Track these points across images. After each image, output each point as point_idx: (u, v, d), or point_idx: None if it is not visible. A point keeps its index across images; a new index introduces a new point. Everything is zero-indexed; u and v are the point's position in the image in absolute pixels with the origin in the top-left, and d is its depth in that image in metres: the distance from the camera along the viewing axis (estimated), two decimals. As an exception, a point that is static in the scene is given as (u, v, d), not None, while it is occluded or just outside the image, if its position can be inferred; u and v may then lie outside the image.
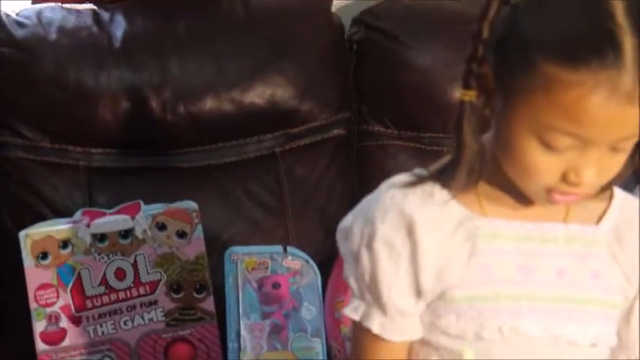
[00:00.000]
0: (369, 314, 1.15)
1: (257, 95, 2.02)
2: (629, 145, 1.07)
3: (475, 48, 1.09)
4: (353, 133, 2.11)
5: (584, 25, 1.01)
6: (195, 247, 1.86)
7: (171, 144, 2.01)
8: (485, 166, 1.12)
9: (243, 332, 1.86)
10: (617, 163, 1.08)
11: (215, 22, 2.03)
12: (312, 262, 1.92)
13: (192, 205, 1.88)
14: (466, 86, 1.11)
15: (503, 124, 1.08)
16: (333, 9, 2.14)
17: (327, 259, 1.94)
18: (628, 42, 1.00)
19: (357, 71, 2.10)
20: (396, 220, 1.12)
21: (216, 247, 1.94)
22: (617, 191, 1.20)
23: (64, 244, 1.83)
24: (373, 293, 1.14)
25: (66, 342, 1.82)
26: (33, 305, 1.82)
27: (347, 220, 1.19)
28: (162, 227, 1.86)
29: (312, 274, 1.92)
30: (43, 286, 1.82)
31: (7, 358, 1.89)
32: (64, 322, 1.82)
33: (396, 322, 1.14)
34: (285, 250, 1.93)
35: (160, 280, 1.85)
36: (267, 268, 1.91)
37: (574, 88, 1.01)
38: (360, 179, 2.09)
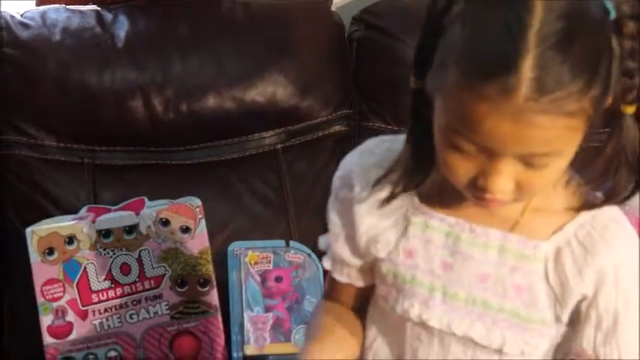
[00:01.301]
0: (327, 256, 1.30)
1: (258, 93, 2.05)
2: (551, 163, 1.06)
3: (422, 36, 1.10)
4: (353, 129, 2.13)
5: (495, 40, 1.00)
6: (198, 242, 1.89)
7: (174, 141, 2.04)
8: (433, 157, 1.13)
9: (246, 325, 1.89)
10: (540, 178, 1.07)
11: (216, 21, 2.06)
12: (313, 256, 1.95)
13: (196, 200, 1.91)
14: (415, 74, 1.12)
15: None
16: (333, 8, 2.17)
17: (329, 253, 1.97)
18: (527, 60, 0.98)
19: (357, 69, 2.13)
20: (349, 185, 1.23)
21: (220, 241, 1.97)
22: (594, 211, 1.18)
23: (70, 240, 1.86)
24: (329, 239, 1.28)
25: (73, 335, 1.85)
26: (40, 300, 1.85)
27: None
28: (166, 223, 1.89)
29: (314, 268, 1.94)
30: (50, 281, 1.85)
31: (17, 351, 1.92)
32: (71, 316, 1.85)
33: (338, 266, 1.29)
34: (287, 244, 1.96)
35: (165, 274, 1.88)
36: (269, 262, 1.94)
37: (467, 94, 1.01)
38: (361, 175, 2.12)
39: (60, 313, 1.85)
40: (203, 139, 2.05)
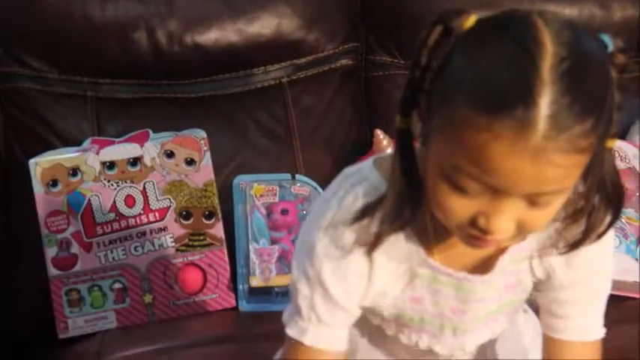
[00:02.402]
0: (295, 323, 1.19)
1: (263, 26, 2.02)
2: (554, 201, 1.02)
3: (412, 74, 1.04)
4: (360, 63, 2.11)
5: (506, 73, 0.96)
6: (203, 174, 1.88)
7: (178, 74, 2.02)
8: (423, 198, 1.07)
9: (252, 257, 1.88)
10: (541, 217, 1.03)
11: (221, -47, 2.04)
12: (320, 189, 1.93)
13: (201, 132, 1.90)
14: (401, 113, 1.06)
15: (425, 158, 1.05)
16: (340, -61, 2.14)
17: (335, 187, 1.95)
18: (544, 97, 0.94)
19: (364, 1, 2.10)
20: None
21: (225, 175, 1.95)
22: None
23: (74, 171, 1.85)
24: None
25: (77, 267, 1.84)
26: (44, 232, 1.84)
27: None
28: (170, 155, 1.87)
29: (320, 201, 1.93)
30: (54, 213, 1.84)
31: (22, 283, 1.91)
32: (75, 248, 1.84)
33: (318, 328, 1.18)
34: (293, 177, 1.95)
35: (170, 206, 1.87)
36: (275, 194, 1.92)
37: (481, 133, 0.95)
38: (367, 109, 2.10)
39: (64, 245, 1.84)
40: (208, 72, 2.03)
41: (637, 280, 1.81)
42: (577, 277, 1.18)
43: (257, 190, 1.92)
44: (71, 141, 1.94)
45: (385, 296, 1.16)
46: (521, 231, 1.03)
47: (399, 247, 1.12)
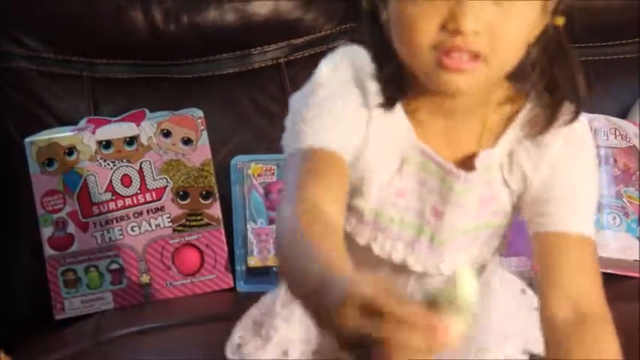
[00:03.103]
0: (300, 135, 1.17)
1: (260, 5, 2.01)
2: (519, 6, 1.04)
3: None
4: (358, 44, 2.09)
5: None
6: (200, 153, 1.86)
7: (175, 54, 2.00)
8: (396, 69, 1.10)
9: (249, 237, 1.86)
10: (511, 25, 1.04)
11: None
12: (318, 169, 1.92)
13: (197, 112, 1.88)
14: None
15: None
16: None
17: (333, 167, 1.94)
18: None
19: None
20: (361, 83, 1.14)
21: (222, 156, 1.93)
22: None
23: (70, 151, 1.83)
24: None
25: (74, 247, 1.83)
26: (40, 212, 1.82)
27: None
28: (167, 134, 1.86)
29: (318, 181, 1.91)
30: (50, 193, 1.82)
31: (18, 262, 1.90)
32: (71, 228, 1.83)
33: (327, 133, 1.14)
34: (290, 157, 1.93)
35: (167, 186, 1.86)
36: (273, 174, 1.91)
37: None
38: (365, 89, 2.08)
39: (60, 224, 1.83)
40: (204, 52, 2.01)
41: (637, 258, 1.80)
42: (552, 182, 1.15)
43: (254, 170, 1.90)
44: (67, 121, 1.93)
45: (371, 182, 1.13)
46: (492, 39, 1.04)
47: (392, 127, 1.12)
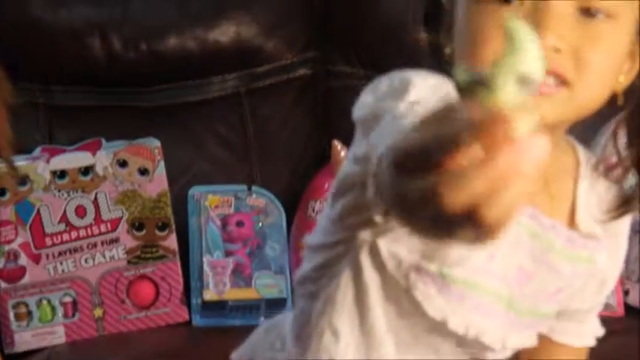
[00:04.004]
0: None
1: (221, 33, 1.98)
2: (608, 30, 0.92)
3: None
4: (319, 73, 2.07)
5: None
6: (157, 184, 1.83)
7: (133, 82, 1.97)
8: None
9: (205, 269, 1.83)
10: (594, 50, 0.92)
11: (178, -42, 2.00)
12: (276, 201, 1.89)
13: (154, 142, 1.85)
14: (428, 29, 0.99)
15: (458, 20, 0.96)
16: (299, -53, 2.10)
17: (292, 199, 1.92)
18: None
19: (323, 10, 2.06)
20: None
21: (180, 186, 1.90)
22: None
23: (23, 180, 1.79)
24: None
25: (25, 279, 1.79)
26: (-9, 242, 1.79)
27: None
28: (123, 164, 1.83)
29: (276, 213, 1.89)
30: (1, 223, 1.79)
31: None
32: (23, 260, 1.79)
33: None
34: (249, 188, 1.90)
35: (122, 217, 1.82)
36: (230, 206, 1.88)
37: None
38: (326, 120, 2.06)
39: (12, 256, 1.79)
40: (163, 80, 1.99)
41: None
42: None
43: (212, 202, 1.87)
44: (22, 150, 1.88)
45: None
46: (577, 61, 0.91)
47: None
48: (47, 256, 1.80)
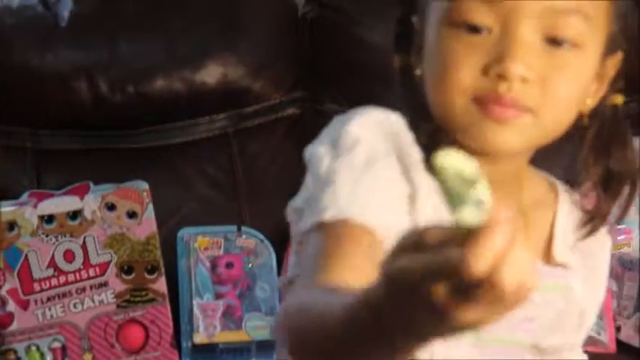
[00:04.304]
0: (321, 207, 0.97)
1: (208, 74, 1.98)
2: (573, 59, 0.93)
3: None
4: (307, 112, 2.07)
5: None
6: (146, 227, 1.83)
7: (121, 124, 1.97)
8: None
9: (195, 312, 1.82)
10: (561, 77, 0.92)
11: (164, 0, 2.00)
12: (266, 241, 1.89)
13: (143, 184, 1.85)
14: (398, 51, 1.02)
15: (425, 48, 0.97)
16: (285, -13, 2.11)
17: (282, 239, 1.90)
18: None
19: (310, 50, 2.07)
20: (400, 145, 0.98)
21: (169, 228, 1.90)
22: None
23: (10, 226, 1.79)
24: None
25: (14, 326, 1.78)
26: (-21, 289, 1.78)
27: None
28: (111, 207, 1.82)
29: (266, 253, 1.88)
30: (-11, 270, 1.78)
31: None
32: (12, 306, 1.78)
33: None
34: (238, 229, 1.90)
35: (110, 261, 1.81)
36: (220, 247, 1.87)
37: None
38: (315, 158, 2.06)
39: (0, 302, 1.78)
40: (151, 122, 1.98)
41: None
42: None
43: (201, 243, 1.86)
44: (10, 195, 1.88)
45: None
46: (543, 90, 0.91)
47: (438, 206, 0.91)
48: (36, 301, 1.79)
